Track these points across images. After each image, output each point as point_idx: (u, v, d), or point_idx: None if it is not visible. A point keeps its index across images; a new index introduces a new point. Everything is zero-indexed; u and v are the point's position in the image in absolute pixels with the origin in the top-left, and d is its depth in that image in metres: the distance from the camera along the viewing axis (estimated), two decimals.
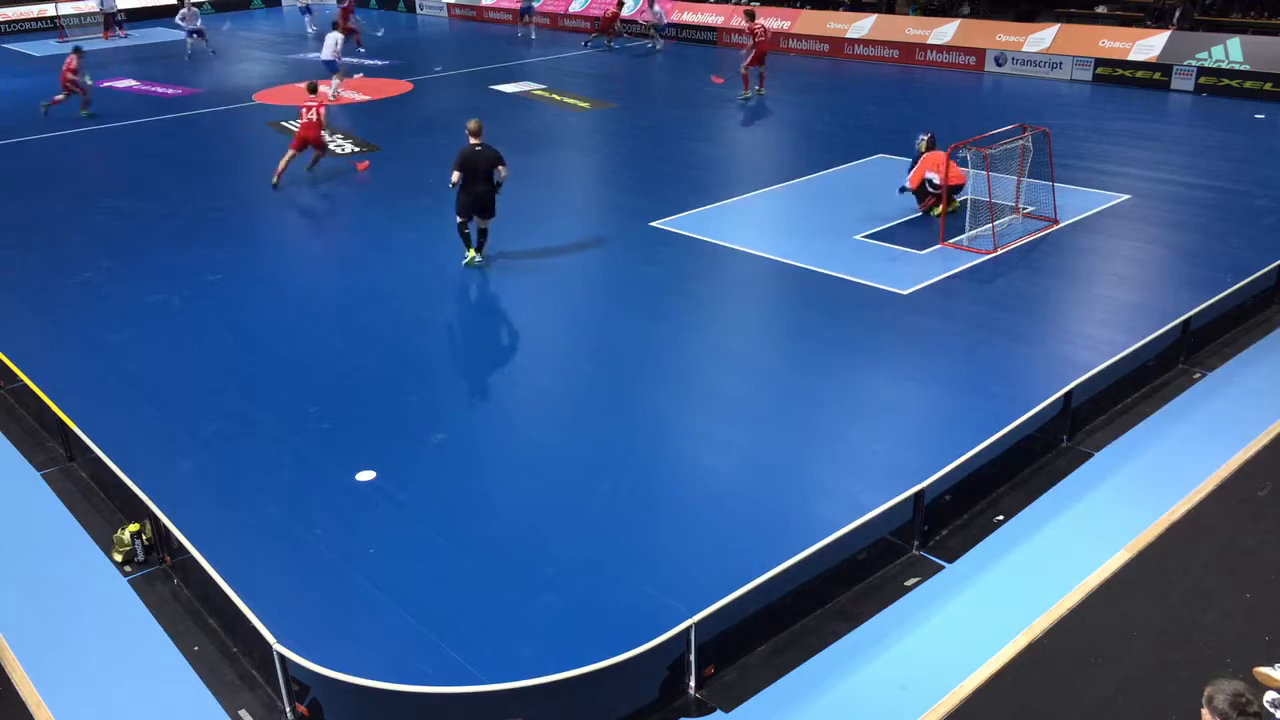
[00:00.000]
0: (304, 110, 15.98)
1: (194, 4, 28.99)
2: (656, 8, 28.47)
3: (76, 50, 21.71)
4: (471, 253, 12.47)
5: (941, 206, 13.24)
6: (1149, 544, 7.23)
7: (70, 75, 21.35)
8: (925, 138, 13.92)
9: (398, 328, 10.98)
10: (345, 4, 29.10)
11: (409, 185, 16.30)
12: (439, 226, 14.28)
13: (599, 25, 29.07)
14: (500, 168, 11.93)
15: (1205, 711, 4.06)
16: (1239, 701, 3.98)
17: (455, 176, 11.91)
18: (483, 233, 12.50)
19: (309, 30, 32.44)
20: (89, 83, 21.87)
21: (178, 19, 28.36)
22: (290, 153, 16.12)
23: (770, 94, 21.55)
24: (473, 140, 11.91)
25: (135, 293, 12.06)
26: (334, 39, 22.36)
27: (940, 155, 13.47)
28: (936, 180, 13.40)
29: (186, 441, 8.76)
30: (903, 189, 13.97)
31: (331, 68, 22.58)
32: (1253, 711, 3.98)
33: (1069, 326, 10.70)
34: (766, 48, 21.39)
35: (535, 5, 31.57)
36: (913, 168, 13.88)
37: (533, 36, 30.52)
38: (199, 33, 28.23)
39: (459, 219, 12.38)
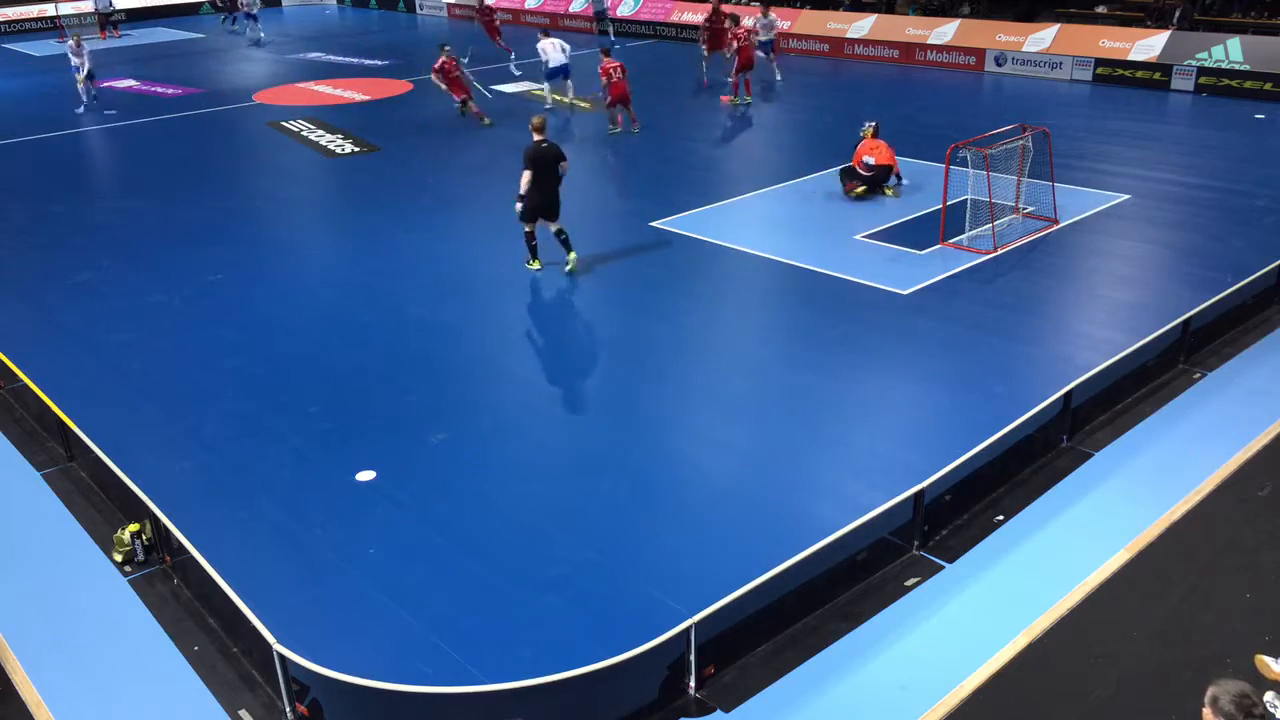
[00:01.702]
0: (603, 73, 18.18)
1: (84, 38, 24.06)
2: (771, 14, 23.33)
3: (443, 47, 19.84)
4: (536, 263, 12.19)
5: (861, 188, 14.50)
6: (1149, 544, 7.23)
7: (436, 73, 19.77)
8: (871, 125, 14.85)
9: (398, 328, 10.98)
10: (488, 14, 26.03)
11: (409, 185, 16.31)
12: (439, 226, 14.30)
13: (705, 40, 22.80)
14: (562, 163, 11.79)
15: (1208, 711, 4.03)
16: (1244, 703, 3.94)
17: (526, 177, 11.55)
18: (561, 233, 12.04)
19: (260, 35, 31.26)
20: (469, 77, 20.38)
21: (69, 52, 22.61)
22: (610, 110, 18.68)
23: (771, 94, 21.52)
24: (537, 137, 11.65)
25: (135, 293, 12.07)
26: (557, 44, 20.28)
27: (875, 142, 14.63)
28: (872, 162, 14.49)
29: (186, 441, 8.76)
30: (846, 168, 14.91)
31: (563, 73, 20.44)
32: (1258, 714, 3.95)
33: (1069, 326, 10.70)
34: (750, 53, 20.39)
35: (607, 6, 29.78)
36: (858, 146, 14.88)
37: (611, 38, 28.99)
38: (89, 75, 22.45)
39: (527, 226, 12.01)
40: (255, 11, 31.31)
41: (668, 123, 19.89)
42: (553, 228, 12.01)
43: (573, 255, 12.08)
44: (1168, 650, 6.31)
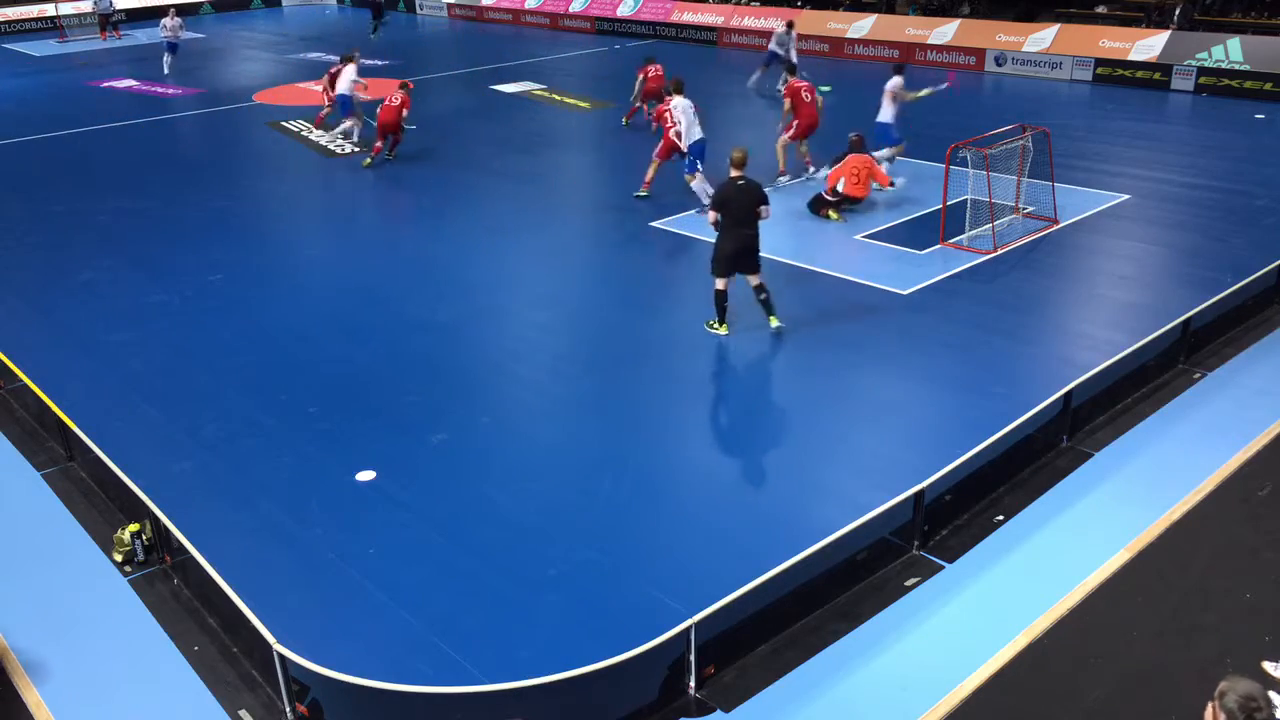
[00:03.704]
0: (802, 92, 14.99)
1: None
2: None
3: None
4: (724, 327, 10.36)
5: (833, 209, 13.69)
6: (1149, 544, 7.23)
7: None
8: (853, 137, 13.90)
9: (398, 328, 10.98)
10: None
11: (408, 186, 16.31)
12: (437, 226, 14.29)
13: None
14: (763, 206, 9.90)
15: (1213, 704, 3.98)
16: (1248, 705, 3.87)
17: (712, 217, 10.00)
18: (760, 289, 10.19)
19: (166, 70, 26.04)
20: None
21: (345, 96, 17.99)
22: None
23: (771, 94, 21.48)
24: (734, 173, 9.89)
25: (135, 293, 12.06)
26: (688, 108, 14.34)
27: (858, 161, 13.63)
28: (840, 189, 13.62)
29: (186, 441, 8.76)
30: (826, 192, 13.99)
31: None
32: (1262, 718, 3.91)
33: (1069, 326, 10.70)
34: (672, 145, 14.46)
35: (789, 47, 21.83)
36: (835, 165, 13.95)
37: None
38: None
39: (719, 282, 10.17)
40: (178, 41, 26.44)
41: None
42: (752, 281, 10.17)
43: (774, 321, 10.32)
44: (1168, 650, 6.31)
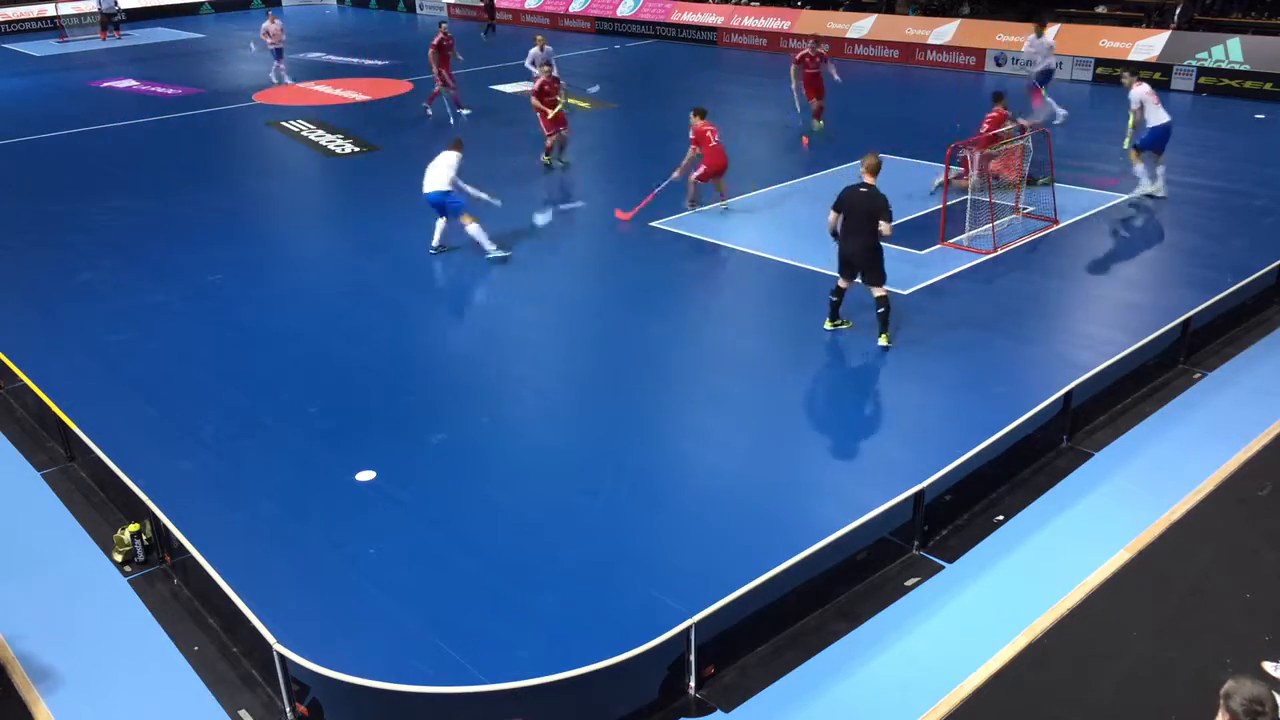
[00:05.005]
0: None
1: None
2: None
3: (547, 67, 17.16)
4: (830, 323, 10.47)
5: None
6: (1149, 544, 7.23)
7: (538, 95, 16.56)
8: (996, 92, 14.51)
9: (398, 328, 10.98)
10: None
11: (407, 185, 16.29)
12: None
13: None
14: (881, 222, 9.64)
15: (1221, 705, 3.97)
16: (1252, 708, 3.87)
17: (831, 218, 9.98)
18: (879, 302, 9.98)
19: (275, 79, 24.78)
20: None
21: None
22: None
23: (770, 95, 21.48)
24: (866, 179, 9.77)
25: (135, 293, 12.07)
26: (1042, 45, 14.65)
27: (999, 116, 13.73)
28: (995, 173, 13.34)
29: (186, 441, 8.76)
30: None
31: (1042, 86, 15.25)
32: None
33: (1069, 326, 10.70)
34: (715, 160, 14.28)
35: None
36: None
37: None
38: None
39: (841, 280, 10.25)
40: (283, 47, 24.95)
41: (668, 122, 19.88)
42: (874, 293, 10.01)
43: (883, 339, 10.08)
44: (1168, 650, 6.31)
